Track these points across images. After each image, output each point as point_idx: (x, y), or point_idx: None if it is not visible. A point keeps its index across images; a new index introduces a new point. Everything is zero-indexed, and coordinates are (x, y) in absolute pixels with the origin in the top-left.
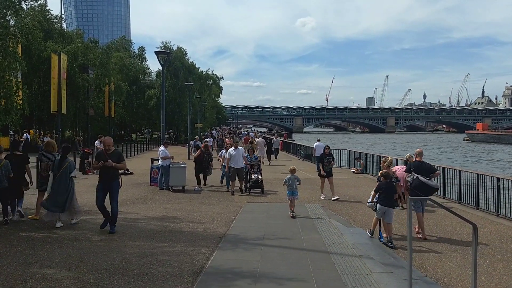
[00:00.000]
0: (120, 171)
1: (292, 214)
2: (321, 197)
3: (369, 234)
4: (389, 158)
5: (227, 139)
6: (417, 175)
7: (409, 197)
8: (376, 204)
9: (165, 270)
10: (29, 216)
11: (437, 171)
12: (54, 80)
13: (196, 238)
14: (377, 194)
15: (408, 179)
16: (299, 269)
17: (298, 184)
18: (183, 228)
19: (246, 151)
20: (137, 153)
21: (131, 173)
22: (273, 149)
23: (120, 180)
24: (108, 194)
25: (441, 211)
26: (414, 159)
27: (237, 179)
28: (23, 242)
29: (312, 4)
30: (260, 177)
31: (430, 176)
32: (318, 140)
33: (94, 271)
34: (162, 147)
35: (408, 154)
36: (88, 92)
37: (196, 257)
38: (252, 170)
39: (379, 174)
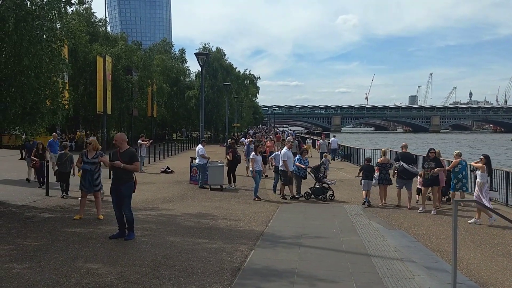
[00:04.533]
0: (162, 169)
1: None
2: (418, 210)
3: (364, 205)
4: (383, 149)
5: (268, 142)
6: (402, 163)
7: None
8: (362, 180)
9: (205, 267)
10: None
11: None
12: (99, 82)
13: (234, 236)
14: (361, 172)
15: (396, 165)
16: (338, 271)
17: (329, 163)
18: (221, 225)
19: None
20: (178, 152)
21: (172, 172)
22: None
23: (134, 183)
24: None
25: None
26: (401, 150)
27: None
28: (69, 237)
29: (352, 1)
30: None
31: (412, 164)
32: (334, 136)
33: (137, 267)
34: (200, 146)
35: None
36: (132, 93)
37: (234, 255)
38: (322, 175)
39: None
